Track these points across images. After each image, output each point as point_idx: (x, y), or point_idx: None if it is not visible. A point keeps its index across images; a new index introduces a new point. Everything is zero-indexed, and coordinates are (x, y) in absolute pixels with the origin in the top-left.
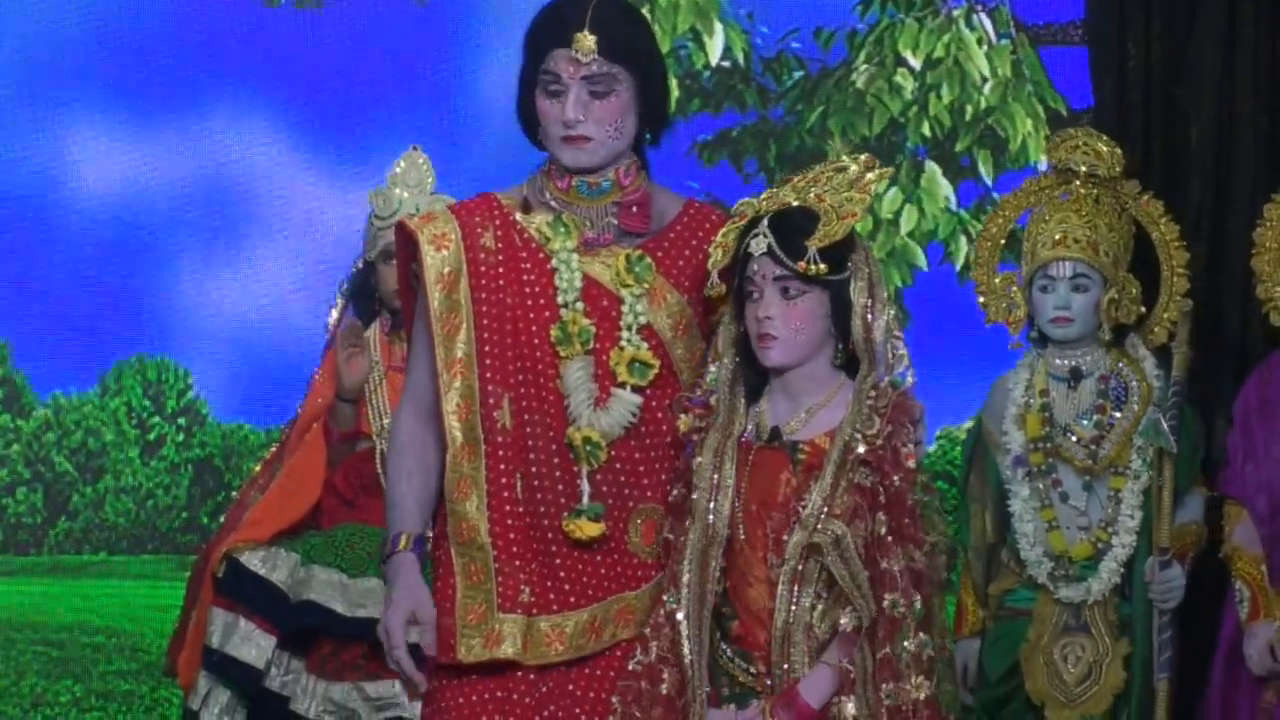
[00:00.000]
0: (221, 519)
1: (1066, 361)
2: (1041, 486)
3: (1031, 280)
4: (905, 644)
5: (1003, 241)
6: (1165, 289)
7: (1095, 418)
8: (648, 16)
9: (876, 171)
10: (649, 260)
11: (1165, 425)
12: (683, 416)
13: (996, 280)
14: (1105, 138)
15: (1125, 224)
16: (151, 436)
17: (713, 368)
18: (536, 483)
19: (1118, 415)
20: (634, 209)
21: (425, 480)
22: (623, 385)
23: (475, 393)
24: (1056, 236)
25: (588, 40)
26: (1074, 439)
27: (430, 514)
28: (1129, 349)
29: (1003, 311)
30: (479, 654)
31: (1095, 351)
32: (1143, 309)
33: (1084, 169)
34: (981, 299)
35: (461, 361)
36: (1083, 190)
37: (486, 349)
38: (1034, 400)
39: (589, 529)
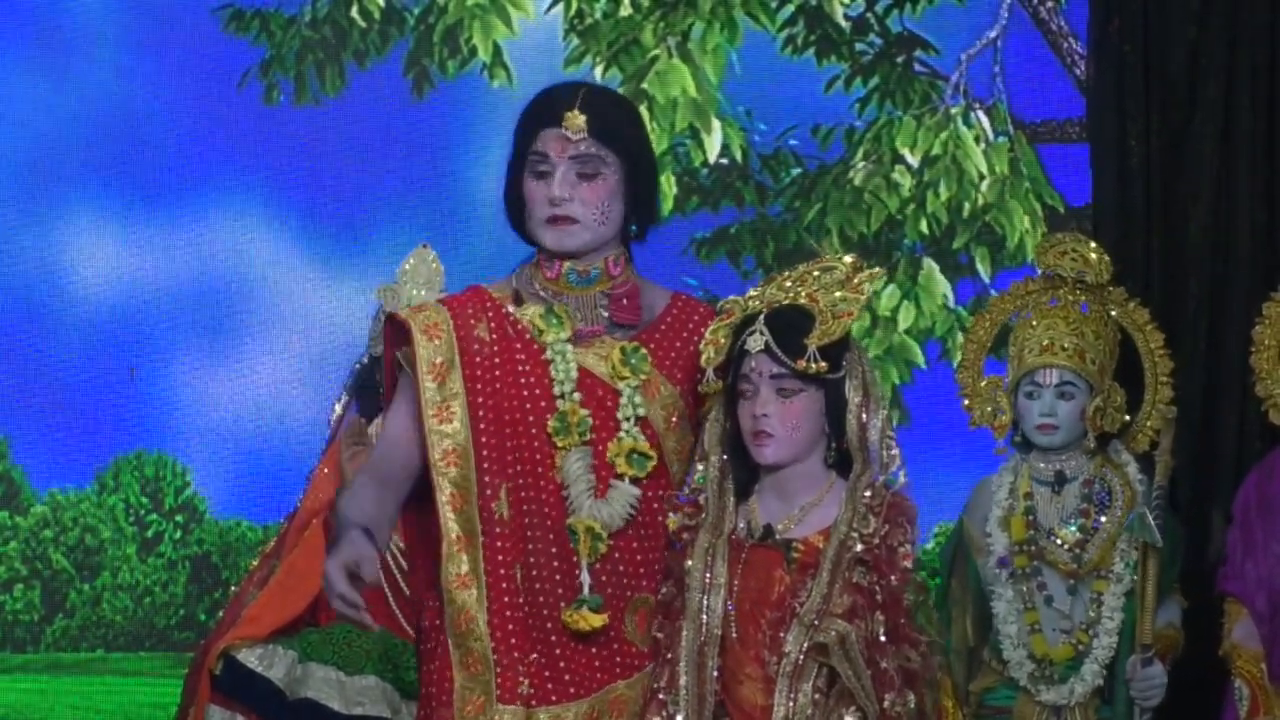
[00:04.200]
0: (220, 615)
1: (1050, 466)
2: (1026, 589)
3: (1017, 386)
4: None
5: (989, 344)
6: (1149, 396)
7: (1080, 521)
8: (644, 113)
9: (867, 272)
10: (644, 352)
11: (1151, 520)
12: (671, 515)
13: (982, 384)
14: (1095, 244)
15: (1111, 331)
16: (149, 533)
17: (700, 467)
18: (535, 573)
19: (1102, 520)
20: (624, 301)
21: (379, 511)
22: (621, 477)
23: (471, 483)
24: (1044, 343)
25: (578, 119)
26: (1059, 543)
27: (384, 536)
28: (1112, 454)
29: (988, 415)
30: None
31: (1079, 457)
32: (1127, 416)
33: (1072, 275)
34: (966, 402)
35: (455, 452)
36: (1070, 297)
37: (483, 439)
38: (1018, 504)
39: (592, 620)
